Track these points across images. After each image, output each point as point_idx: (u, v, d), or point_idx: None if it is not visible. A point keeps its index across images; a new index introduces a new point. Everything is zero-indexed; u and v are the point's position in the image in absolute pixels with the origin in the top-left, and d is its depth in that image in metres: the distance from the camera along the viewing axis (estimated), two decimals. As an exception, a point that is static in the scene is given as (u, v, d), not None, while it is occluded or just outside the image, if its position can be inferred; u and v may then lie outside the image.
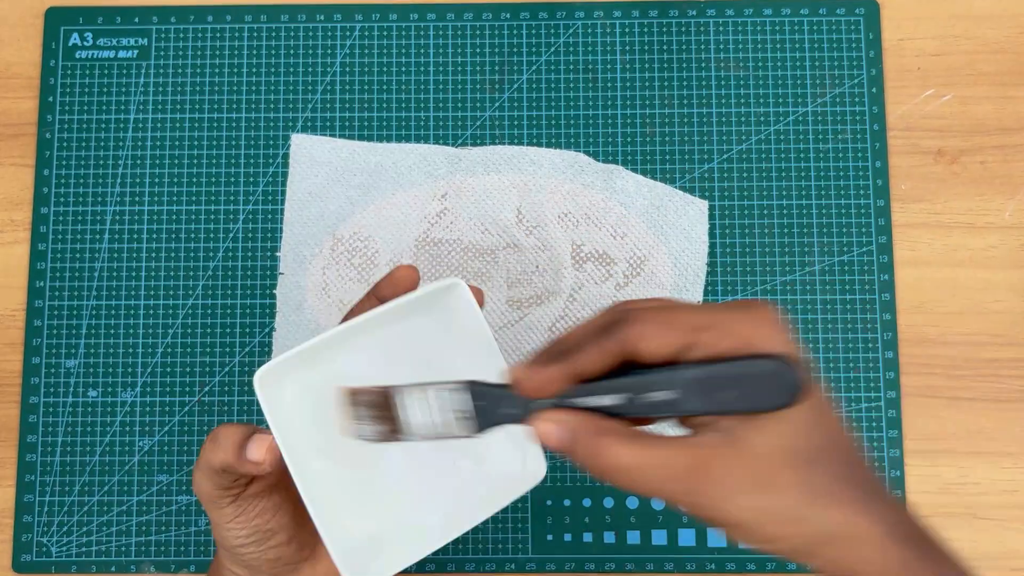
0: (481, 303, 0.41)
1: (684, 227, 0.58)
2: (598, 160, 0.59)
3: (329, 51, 0.60)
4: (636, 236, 0.58)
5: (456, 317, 0.41)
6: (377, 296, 0.42)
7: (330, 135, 0.59)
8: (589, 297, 0.57)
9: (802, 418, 0.32)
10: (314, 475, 0.39)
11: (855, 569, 0.31)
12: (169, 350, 0.57)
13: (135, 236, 0.58)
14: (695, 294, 0.57)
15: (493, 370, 0.37)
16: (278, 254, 0.58)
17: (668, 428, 0.33)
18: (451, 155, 0.58)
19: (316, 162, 0.59)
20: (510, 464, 0.42)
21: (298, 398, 0.40)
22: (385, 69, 0.60)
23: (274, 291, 0.58)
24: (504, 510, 0.56)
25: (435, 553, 0.56)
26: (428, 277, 0.57)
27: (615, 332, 0.31)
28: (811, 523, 0.31)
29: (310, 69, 0.60)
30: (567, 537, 0.56)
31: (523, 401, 0.33)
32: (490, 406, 0.34)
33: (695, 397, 0.31)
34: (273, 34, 0.60)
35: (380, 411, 0.36)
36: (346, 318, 0.41)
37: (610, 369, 0.32)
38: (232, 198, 0.59)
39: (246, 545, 0.42)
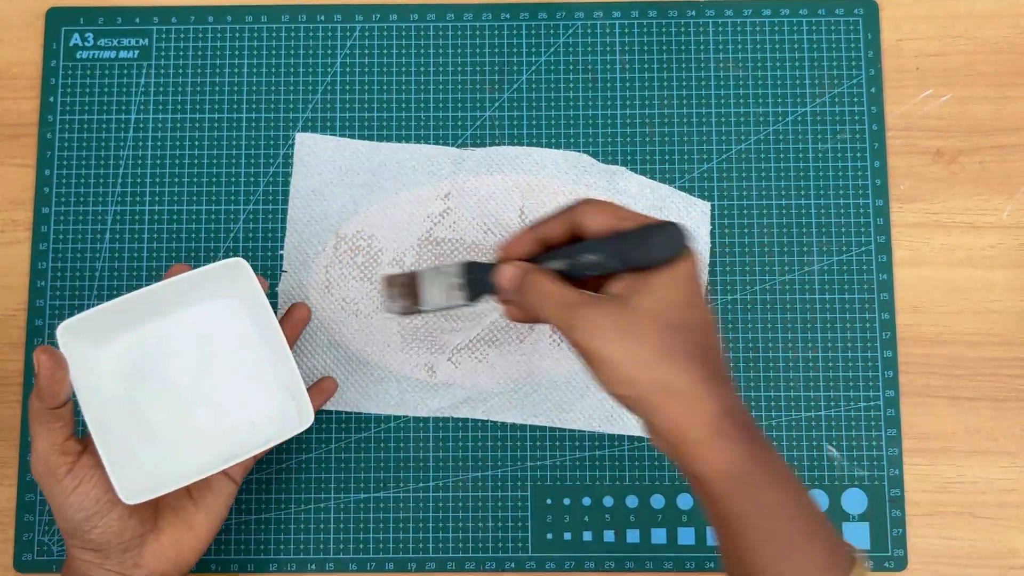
0: (265, 290, 0.49)
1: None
2: (599, 160, 0.59)
3: (329, 51, 0.60)
4: None
5: (248, 297, 0.49)
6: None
7: (331, 135, 0.59)
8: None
9: (675, 297, 0.40)
10: (108, 419, 0.47)
11: (683, 428, 0.38)
12: (170, 350, 0.57)
13: (136, 236, 0.58)
14: None
15: (272, 337, 0.48)
16: (281, 252, 0.58)
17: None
18: (454, 155, 0.59)
19: (320, 161, 0.59)
20: (281, 412, 0.50)
21: (122, 352, 0.49)
22: (385, 69, 0.60)
23: (276, 289, 0.58)
24: (504, 510, 0.56)
25: (435, 552, 0.56)
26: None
27: (572, 209, 0.42)
28: (657, 374, 0.38)
29: (310, 69, 0.60)
30: (567, 536, 0.56)
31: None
32: (480, 279, 0.45)
33: (611, 258, 0.41)
34: (273, 34, 0.60)
35: (406, 290, 0.47)
36: None
37: (565, 239, 0.43)
38: (233, 198, 0.59)
39: (90, 518, 0.45)
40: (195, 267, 0.48)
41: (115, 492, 0.45)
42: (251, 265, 0.57)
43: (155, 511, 0.48)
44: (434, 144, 0.59)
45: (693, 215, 0.58)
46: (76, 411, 0.47)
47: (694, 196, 0.58)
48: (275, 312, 0.51)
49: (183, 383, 0.50)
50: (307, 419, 0.48)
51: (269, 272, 0.58)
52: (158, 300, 0.48)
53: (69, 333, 0.46)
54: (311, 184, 0.59)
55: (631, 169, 0.59)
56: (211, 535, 0.50)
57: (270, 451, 0.53)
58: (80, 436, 0.47)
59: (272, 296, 0.58)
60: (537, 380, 0.57)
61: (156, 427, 0.49)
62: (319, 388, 0.55)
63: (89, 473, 0.45)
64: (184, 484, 0.46)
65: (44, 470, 0.45)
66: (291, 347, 0.49)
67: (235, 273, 0.48)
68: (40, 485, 0.46)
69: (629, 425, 0.57)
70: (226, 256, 0.58)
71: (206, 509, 0.49)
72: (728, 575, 0.41)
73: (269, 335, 0.49)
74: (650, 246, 0.40)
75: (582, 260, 0.42)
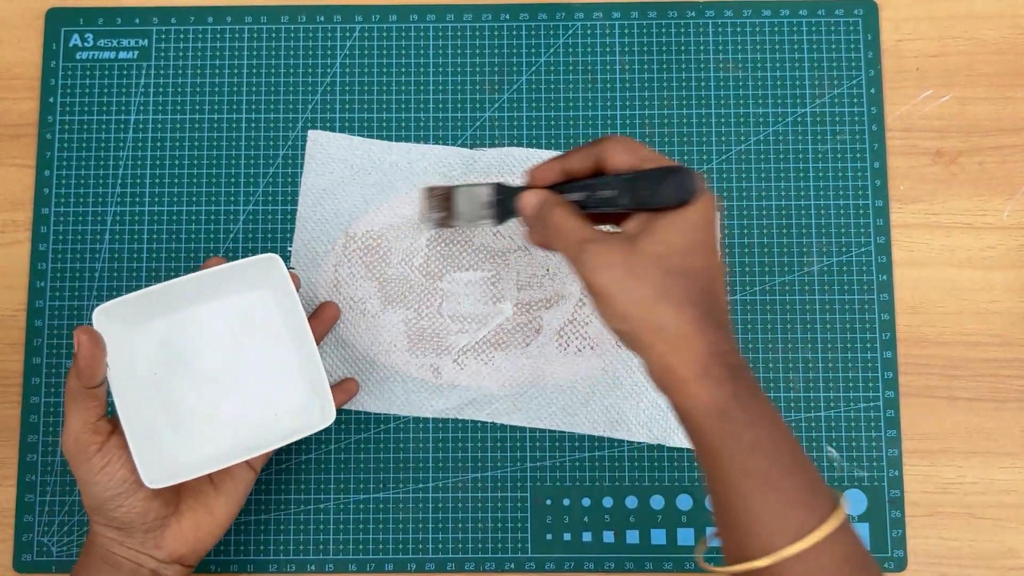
0: (297, 286, 0.51)
1: None
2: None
3: (329, 52, 0.60)
4: None
5: (280, 291, 0.50)
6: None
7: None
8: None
9: (680, 242, 0.41)
10: (137, 402, 0.48)
11: (672, 366, 0.40)
12: (170, 350, 0.57)
13: (136, 236, 0.58)
14: None
15: (300, 334, 0.50)
16: (290, 249, 0.58)
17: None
18: (466, 156, 0.59)
19: (332, 159, 0.59)
20: (305, 407, 0.51)
21: (152, 339, 0.50)
22: (385, 70, 0.60)
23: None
24: (504, 510, 0.56)
25: (435, 552, 0.56)
26: (438, 277, 0.57)
27: (599, 143, 0.44)
28: (650, 313, 0.40)
29: (310, 70, 0.60)
30: (566, 537, 0.56)
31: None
32: (507, 201, 0.48)
33: (624, 196, 0.43)
34: (273, 35, 0.60)
35: (441, 203, 0.50)
36: None
37: (588, 172, 0.45)
38: (232, 199, 0.59)
39: (116, 497, 0.47)
40: (231, 260, 0.49)
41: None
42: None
43: (177, 495, 0.49)
44: (435, 144, 0.59)
45: None
46: (108, 393, 0.48)
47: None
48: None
49: (212, 372, 0.51)
50: (329, 416, 0.49)
51: (269, 272, 0.58)
52: (193, 289, 0.49)
53: (105, 316, 0.47)
54: (322, 182, 0.59)
55: (631, 170, 0.59)
56: (229, 520, 0.51)
57: (277, 449, 0.54)
58: (111, 416, 0.48)
59: (272, 296, 0.58)
60: (542, 384, 0.57)
61: (182, 413, 0.50)
62: (342, 388, 0.55)
63: (117, 454, 0.47)
64: (207, 472, 0.47)
65: (75, 448, 0.46)
66: (318, 344, 0.50)
67: (268, 268, 0.49)
68: (69, 462, 0.47)
69: (634, 431, 0.56)
70: (226, 256, 0.58)
71: (226, 495, 0.50)
72: (714, 518, 0.41)
73: (297, 331, 0.50)
74: (662, 188, 0.41)
75: (598, 195, 0.44)
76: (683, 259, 0.41)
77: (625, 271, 0.41)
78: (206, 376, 0.51)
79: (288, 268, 0.58)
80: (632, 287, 0.40)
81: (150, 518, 0.48)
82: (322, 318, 0.55)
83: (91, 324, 0.47)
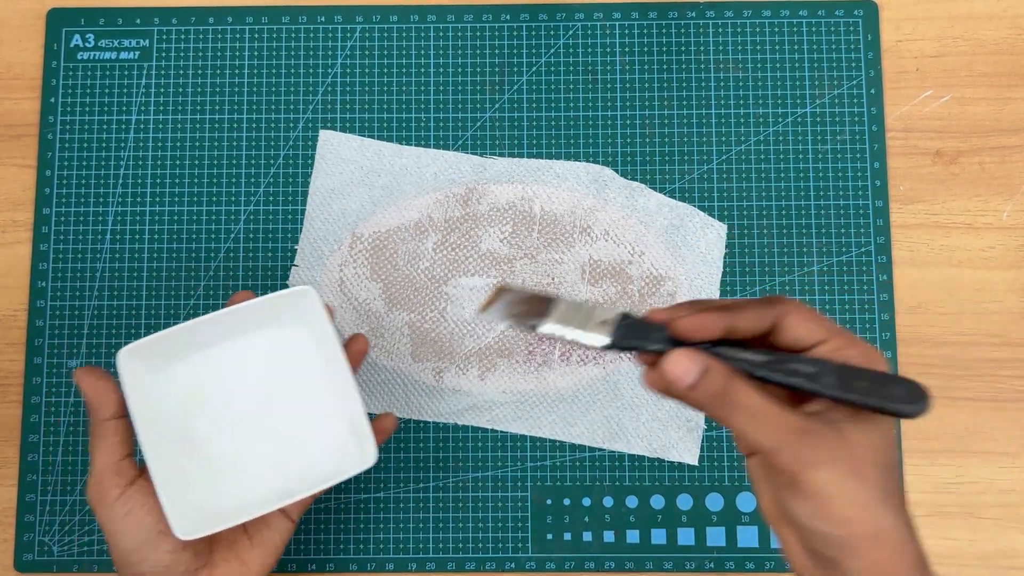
0: (333, 317, 0.47)
1: (702, 250, 0.58)
2: (597, 162, 0.59)
3: (330, 52, 0.60)
4: (654, 256, 0.58)
5: (313, 323, 0.47)
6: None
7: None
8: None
9: (889, 435, 0.36)
10: (165, 447, 0.44)
11: (884, 574, 0.35)
12: (170, 350, 0.57)
13: (137, 236, 0.58)
14: None
15: (338, 375, 0.46)
16: (295, 247, 0.58)
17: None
18: (476, 163, 0.59)
19: (341, 159, 0.59)
20: (343, 447, 0.47)
21: (182, 378, 0.47)
22: (385, 70, 0.60)
23: (286, 284, 0.58)
24: (504, 510, 0.56)
25: (435, 552, 0.56)
26: (443, 282, 0.57)
27: (776, 304, 0.36)
28: (874, 516, 0.34)
29: (311, 70, 0.60)
30: (567, 536, 0.56)
31: (668, 337, 0.36)
32: (635, 329, 0.36)
33: (831, 378, 0.35)
34: (274, 35, 0.60)
35: (534, 308, 0.38)
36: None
37: (754, 334, 0.36)
38: (233, 199, 0.59)
39: (141, 548, 0.43)
40: (260, 294, 0.46)
41: (167, 524, 0.43)
42: (250, 265, 0.57)
43: (209, 545, 0.45)
44: (439, 147, 0.59)
45: (709, 237, 0.58)
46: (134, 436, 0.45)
47: (694, 198, 0.58)
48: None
49: (243, 412, 0.48)
50: (370, 457, 0.45)
51: (270, 272, 0.58)
52: (222, 327, 0.46)
53: (130, 357, 0.44)
54: (331, 183, 0.59)
55: (631, 170, 0.59)
56: (264, 573, 0.47)
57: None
58: (138, 462, 0.45)
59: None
60: (544, 392, 0.57)
61: (213, 457, 0.47)
62: (378, 427, 0.50)
63: (141, 499, 0.43)
64: (241, 521, 0.44)
65: (96, 493, 0.43)
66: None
67: (302, 301, 0.46)
68: (93, 511, 0.44)
69: (633, 443, 0.56)
70: (227, 256, 0.58)
71: (262, 546, 0.46)
72: None
73: (335, 367, 0.47)
74: (888, 397, 0.35)
75: (787, 367, 0.35)
76: (893, 453, 0.36)
77: (849, 469, 0.35)
78: (237, 417, 0.48)
79: (291, 264, 0.58)
80: (853, 487, 0.34)
81: (179, 571, 0.43)
82: (351, 351, 0.50)
83: (95, 364, 0.46)
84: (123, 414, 0.44)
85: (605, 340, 0.36)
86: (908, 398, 0.35)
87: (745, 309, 0.36)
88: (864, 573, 0.35)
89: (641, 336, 0.36)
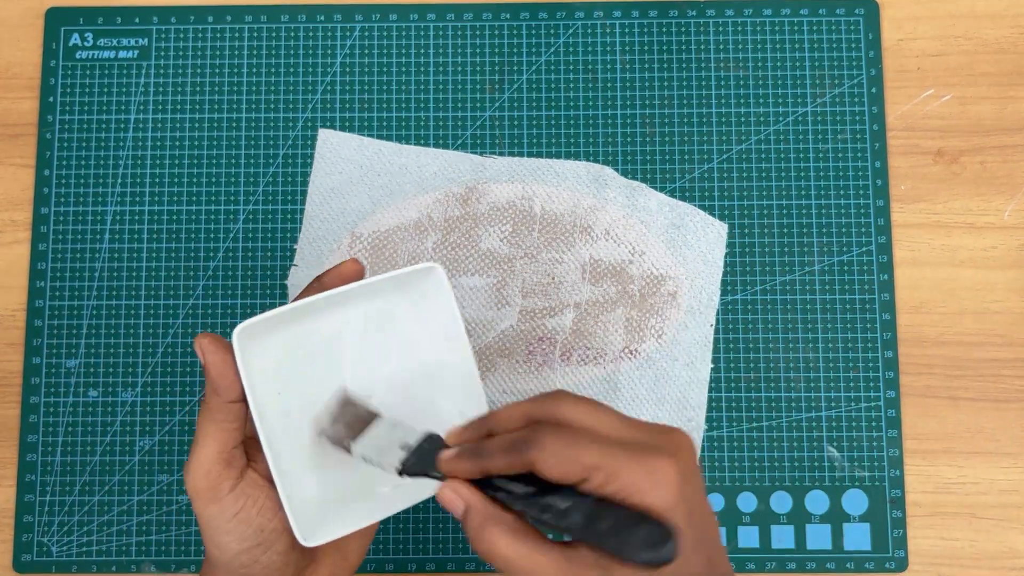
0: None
1: (702, 249, 0.58)
2: (597, 162, 0.59)
3: (329, 51, 0.60)
4: (654, 255, 0.57)
5: (429, 301, 0.43)
6: (322, 286, 0.41)
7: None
8: (602, 313, 0.57)
9: (674, 564, 0.33)
10: (277, 436, 0.40)
11: None
12: (169, 350, 0.57)
13: (135, 236, 0.58)
14: (708, 317, 0.57)
15: (457, 355, 0.42)
16: (295, 246, 0.58)
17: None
18: (476, 163, 0.58)
19: (341, 158, 0.59)
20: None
21: (271, 355, 0.41)
22: (385, 69, 0.60)
23: (285, 283, 0.58)
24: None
25: (435, 552, 0.56)
26: (428, 277, 0.57)
27: (524, 451, 0.34)
28: None
29: (310, 69, 0.60)
30: (567, 536, 0.56)
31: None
32: (424, 458, 0.38)
33: (578, 516, 0.34)
34: (273, 34, 0.60)
35: (355, 423, 0.40)
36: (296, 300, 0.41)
37: (514, 472, 0.36)
38: (232, 198, 0.59)
39: (251, 550, 0.39)
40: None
41: (283, 523, 0.39)
42: (250, 265, 0.57)
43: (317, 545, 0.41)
44: (438, 147, 0.59)
45: (709, 236, 0.58)
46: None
47: (695, 198, 0.58)
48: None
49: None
50: None
51: (269, 272, 0.58)
52: (338, 302, 0.41)
53: (247, 336, 0.39)
54: (331, 182, 0.58)
55: (631, 170, 0.59)
56: (360, 561, 0.44)
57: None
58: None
59: (271, 299, 0.58)
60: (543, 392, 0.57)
61: (316, 447, 0.42)
62: (337, 271, 0.44)
63: (255, 495, 0.39)
64: (370, 523, 0.40)
65: (206, 484, 0.38)
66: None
67: (427, 279, 0.42)
68: (195, 503, 0.39)
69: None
70: (225, 256, 0.58)
71: (360, 535, 0.43)
72: None
73: (454, 350, 0.43)
74: (626, 544, 0.33)
75: (547, 504, 0.35)
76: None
77: None
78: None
79: (291, 263, 0.58)
80: None
81: (289, 572, 0.40)
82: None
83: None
84: (243, 397, 0.39)
85: (397, 467, 0.38)
86: (648, 542, 0.33)
87: (496, 458, 0.36)
88: None
89: (428, 464, 0.38)
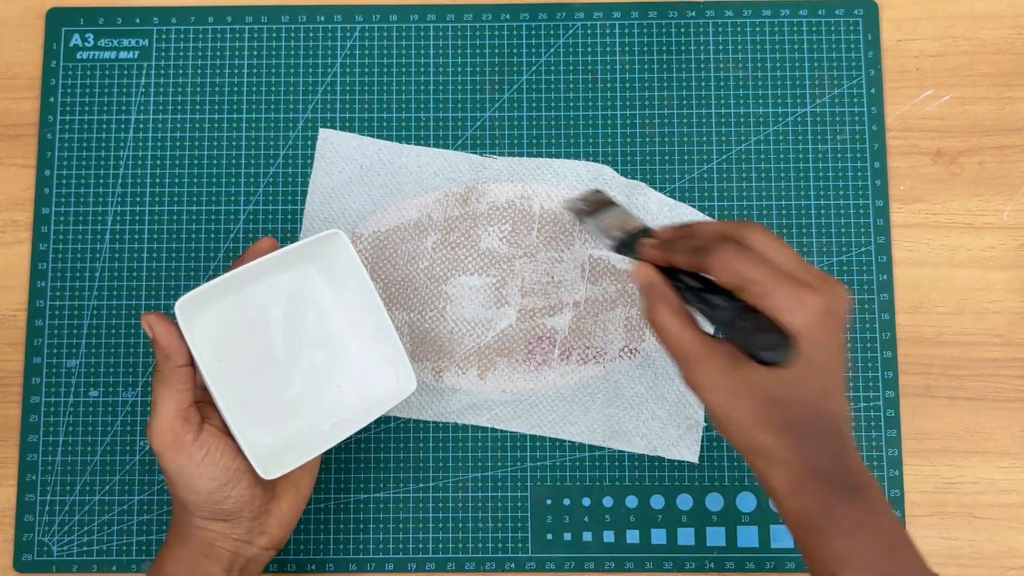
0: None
1: None
2: (596, 161, 0.59)
3: (329, 52, 0.60)
4: None
5: (339, 265, 0.50)
6: (242, 262, 0.48)
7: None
8: (601, 312, 0.57)
9: (788, 374, 0.41)
10: (225, 392, 0.47)
11: (767, 480, 0.42)
12: (170, 350, 0.57)
13: (136, 236, 0.58)
14: None
15: (370, 309, 0.49)
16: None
17: None
18: (476, 163, 0.59)
19: (341, 158, 0.59)
20: (385, 381, 0.51)
21: (211, 326, 0.48)
22: (385, 70, 0.60)
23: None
24: (504, 510, 0.56)
25: (435, 552, 0.56)
26: (442, 281, 0.57)
27: (704, 256, 0.42)
28: (750, 437, 0.42)
29: (310, 70, 0.60)
30: (567, 536, 0.56)
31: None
32: (631, 242, 0.48)
33: (724, 313, 0.42)
34: (273, 35, 0.60)
35: (595, 205, 0.52)
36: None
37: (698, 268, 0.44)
38: (233, 199, 0.59)
39: (223, 487, 0.46)
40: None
41: (244, 464, 0.46)
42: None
43: (273, 481, 0.49)
44: (439, 146, 0.59)
45: None
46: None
47: (694, 198, 0.58)
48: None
49: (276, 354, 0.51)
50: (409, 385, 0.50)
51: (269, 272, 0.58)
52: (255, 273, 0.48)
53: (186, 307, 0.46)
54: (331, 181, 0.59)
55: (630, 170, 0.59)
56: (310, 493, 0.51)
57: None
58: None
59: (272, 296, 0.58)
60: (543, 392, 0.57)
61: (259, 399, 0.50)
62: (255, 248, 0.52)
63: (215, 442, 0.46)
64: (315, 455, 0.48)
65: (171, 439, 0.45)
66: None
67: (332, 245, 0.49)
68: (163, 457, 0.45)
69: (633, 442, 0.56)
70: (226, 256, 0.58)
71: (309, 469, 0.50)
72: None
73: (366, 303, 0.50)
74: (755, 345, 0.41)
75: (711, 299, 0.43)
76: (789, 388, 0.41)
77: (727, 396, 0.42)
78: (276, 359, 0.51)
79: None
80: (732, 412, 0.42)
81: (256, 504, 0.47)
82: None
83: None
84: (191, 362, 0.46)
85: (612, 243, 0.49)
86: (770, 344, 0.40)
87: (680, 255, 0.44)
88: (755, 473, 0.43)
89: (634, 244, 0.48)
